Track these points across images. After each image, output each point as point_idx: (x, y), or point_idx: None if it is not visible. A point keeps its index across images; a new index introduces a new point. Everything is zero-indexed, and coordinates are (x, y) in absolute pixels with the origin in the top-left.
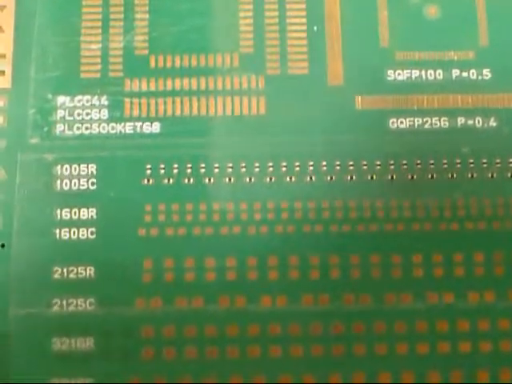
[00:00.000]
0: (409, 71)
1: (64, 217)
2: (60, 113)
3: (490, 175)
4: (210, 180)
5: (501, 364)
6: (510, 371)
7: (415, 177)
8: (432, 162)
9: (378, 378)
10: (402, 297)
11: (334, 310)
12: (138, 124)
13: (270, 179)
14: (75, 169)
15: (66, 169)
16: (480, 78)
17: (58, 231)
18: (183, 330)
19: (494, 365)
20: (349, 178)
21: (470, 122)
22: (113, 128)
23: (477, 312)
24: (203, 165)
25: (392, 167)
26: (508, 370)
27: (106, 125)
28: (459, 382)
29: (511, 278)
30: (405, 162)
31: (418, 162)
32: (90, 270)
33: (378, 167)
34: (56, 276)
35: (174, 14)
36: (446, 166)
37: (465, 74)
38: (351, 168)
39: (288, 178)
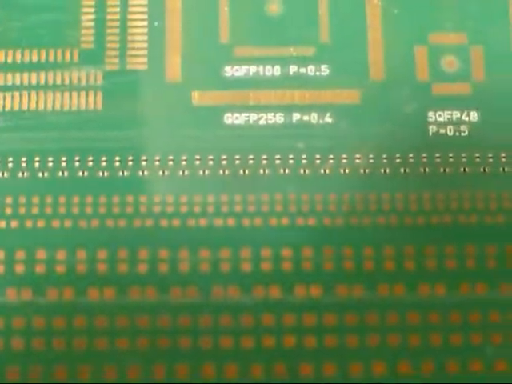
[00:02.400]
0: (247, 67)
1: None
2: None
3: (322, 171)
4: (43, 174)
5: (325, 359)
6: (334, 365)
7: (247, 172)
8: (265, 157)
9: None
10: (229, 290)
11: (161, 305)
12: None
13: (103, 173)
14: None
15: None
16: (318, 73)
17: None
18: (12, 321)
19: (317, 359)
20: (181, 172)
21: (306, 117)
22: None
23: (302, 307)
24: (38, 158)
25: (225, 162)
26: (332, 365)
27: None
28: (283, 375)
29: (339, 272)
30: (238, 157)
31: (252, 157)
32: None
33: (211, 162)
34: None
35: (18, 9)
36: (279, 161)
37: (303, 70)
38: (184, 163)
39: (121, 173)
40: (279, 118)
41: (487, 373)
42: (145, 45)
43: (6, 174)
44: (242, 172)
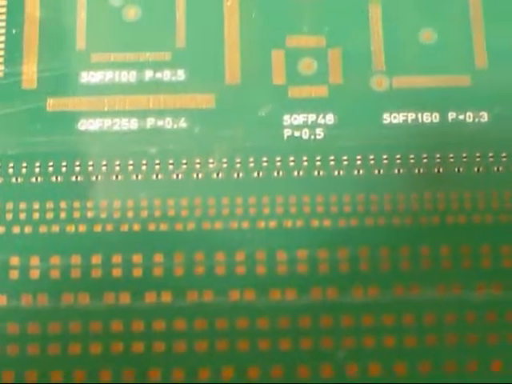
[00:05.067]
0: (103, 73)
1: None
2: None
3: (175, 176)
4: None
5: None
6: (207, 371)
7: (100, 178)
8: (118, 162)
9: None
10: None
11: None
12: None
13: None
14: None
15: None
16: (174, 78)
17: None
18: None
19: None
20: (34, 179)
21: (160, 122)
22: None
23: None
24: None
25: (78, 168)
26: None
27: None
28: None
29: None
30: (91, 163)
31: (104, 162)
32: None
33: (64, 168)
34: None
35: None
36: (131, 167)
37: (159, 75)
38: (37, 170)
39: None
40: (133, 123)
41: (337, 378)
42: (2, 52)
43: None
44: (94, 178)
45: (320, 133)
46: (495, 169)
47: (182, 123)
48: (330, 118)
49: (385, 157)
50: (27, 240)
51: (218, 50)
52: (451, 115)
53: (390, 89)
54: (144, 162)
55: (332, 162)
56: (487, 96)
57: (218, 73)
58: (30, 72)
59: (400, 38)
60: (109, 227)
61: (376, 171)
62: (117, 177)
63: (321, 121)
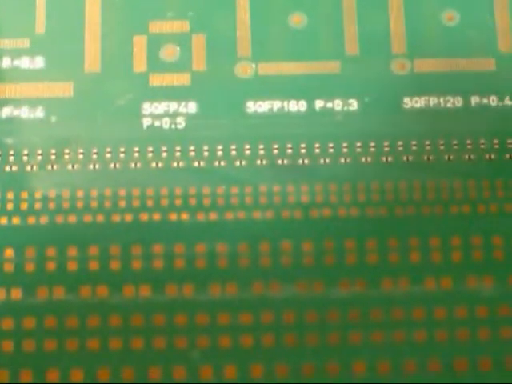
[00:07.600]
0: None
1: None
2: None
3: (29, 168)
4: None
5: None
6: (56, 371)
7: None
8: None
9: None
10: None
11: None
12: None
13: None
14: None
15: None
16: (32, 66)
17: None
18: None
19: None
20: None
21: (16, 112)
22: None
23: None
24: None
25: None
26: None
27: None
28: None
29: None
30: None
31: None
32: None
33: None
34: None
35: None
36: None
37: (17, 63)
38: None
39: None
40: None
41: (191, 379)
42: None
43: None
44: None
45: (181, 122)
46: (363, 160)
47: (39, 113)
48: (192, 107)
49: (247, 147)
50: None
51: (78, 37)
52: (319, 103)
53: (256, 76)
54: None
55: (192, 153)
56: (357, 83)
57: (78, 60)
58: None
59: (268, 23)
60: None
61: (238, 162)
62: None
63: (182, 110)
